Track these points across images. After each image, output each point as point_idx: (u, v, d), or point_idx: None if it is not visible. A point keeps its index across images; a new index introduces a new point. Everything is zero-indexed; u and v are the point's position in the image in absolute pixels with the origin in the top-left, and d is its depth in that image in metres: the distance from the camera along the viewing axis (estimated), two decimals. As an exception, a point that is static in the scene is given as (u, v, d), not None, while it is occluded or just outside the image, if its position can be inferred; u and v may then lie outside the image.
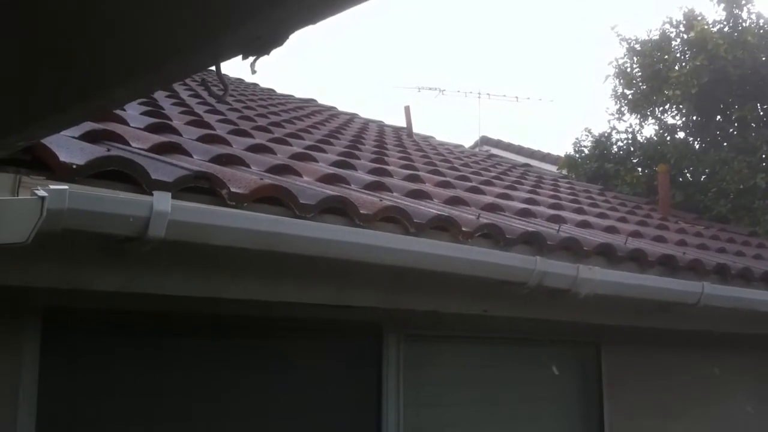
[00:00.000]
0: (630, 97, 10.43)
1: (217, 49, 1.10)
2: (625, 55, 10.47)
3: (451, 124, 37.20)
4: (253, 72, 1.12)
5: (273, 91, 10.37)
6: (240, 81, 9.92)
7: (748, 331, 5.26)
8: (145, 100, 4.57)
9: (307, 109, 9.37)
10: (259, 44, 1.05)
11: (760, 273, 5.30)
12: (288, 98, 10.18)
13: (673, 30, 10.29)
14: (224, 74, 1.21)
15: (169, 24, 1.09)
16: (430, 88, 13.38)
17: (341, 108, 10.79)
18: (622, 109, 10.57)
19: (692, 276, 4.74)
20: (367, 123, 10.10)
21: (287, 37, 1.04)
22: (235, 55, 1.11)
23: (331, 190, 3.41)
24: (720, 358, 5.60)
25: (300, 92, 10.84)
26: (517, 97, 13.98)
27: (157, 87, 2.18)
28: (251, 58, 1.09)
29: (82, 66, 1.26)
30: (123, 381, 3.10)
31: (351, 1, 0.94)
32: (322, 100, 10.90)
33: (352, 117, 10.32)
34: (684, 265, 4.75)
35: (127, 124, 3.66)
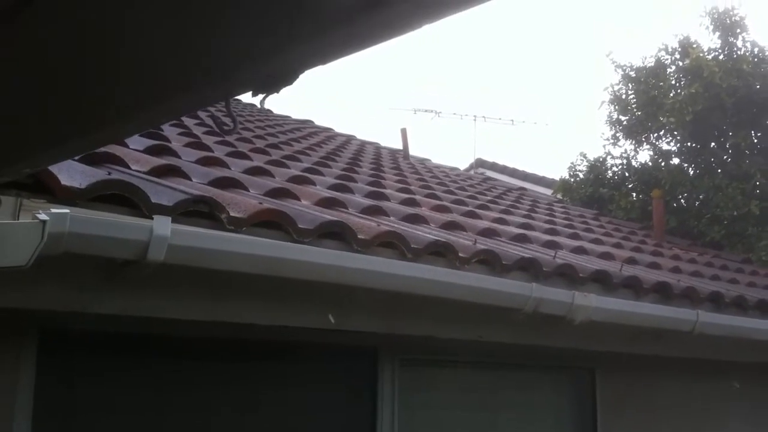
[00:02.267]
0: (625, 123, 10.49)
1: (228, 85, 1.12)
2: (620, 82, 10.54)
3: (446, 147, 37.30)
4: (262, 107, 1.14)
5: (270, 111, 10.40)
6: (236, 102, 9.95)
7: (742, 358, 5.27)
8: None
9: (304, 130, 9.41)
10: (271, 82, 1.07)
11: (754, 301, 5.32)
12: (285, 119, 10.21)
13: (669, 57, 10.38)
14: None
15: (181, 59, 1.11)
16: (425, 111, 13.41)
17: (338, 129, 10.84)
18: (617, 134, 10.63)
19: (687, 303, 4.75)
20: (363, 145, 10.14)
21: (298, 76, 1.06)
22: (246, 91, 1.12)
23: (329, 215, 3.42)
24: (715, 384, 5.61)
25: (296, 113, 10.88)
26: (512, 120, 14.00)
27: (165, 120, 2.20)
28: (261, 95, 1.11)
29: (91, 98, 1.28)
30: (118, 403, 3.09)
31: (362, 44, 0.96)
32: (319, 121, 10.95)
33: (348, 139, 10.36)
34: (678, 292, 4.77)
35: (127, 146, 3.67)
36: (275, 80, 1.06)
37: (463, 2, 0.85)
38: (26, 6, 1.23)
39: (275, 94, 1.09)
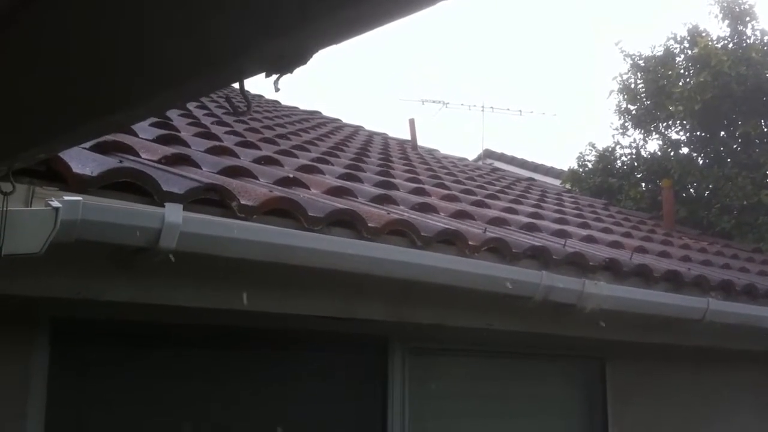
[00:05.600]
0: (634, 112, 10.47)
1: (240, 67, 1.12)
2: (629, 71, 10.52)
3: (454, 137, 37.30)
4: (276, 90, 1.14)
5: (278, 102, 10.40)
6: (245, 92, 9.93)
7: (752, 347, 5.26)
8: (153, 111, 4.59)
9: (312, 121, 9.41)
10: (283, 63, 1.06)
11: (765, 289, 5.31)
12: (293, 110, 10.21)
13: (678, 46, 10.35)
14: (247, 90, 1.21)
15: (192, 41, 1.11)
16: (433, 101, 13.41)
17: (346, 120, 10.83)
18: (626, 124, 10.62)
19: (697, 292, 4.75)
20: (371, 135, 10.14)
21: (311, 57, 1.05)
22: (258, 72, 1.12)
23: (339, 203, 3.43)
24: (725, 374, 5.60)
25: (304, 104, 10.88)
26: (520, 111, 13.99)
27: (179, 103, 2.21)
28: (274, 76, 1.11)
29: (104, 81, 1.28)
30: (132, 391, 3.11)
31: (375, 22, 0.96)
32: (327, 112, 10.94)
33: (356, 129, 10.35)
34: (689, 280, 4.76)
35: (137, 135, 3.68)
36: (287, 61, 1.06)
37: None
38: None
39: (289, 74, 1.09)
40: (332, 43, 1.04)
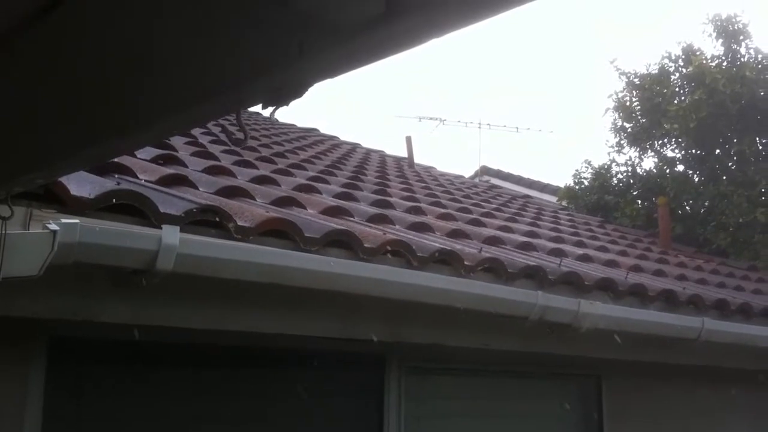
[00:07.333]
0: (629, 130, 10.51)
1: (238, 99, 1.14)
2: (624, 89, 10.57)
3: (451, 154, 37.43)
4: (273, 119, 1.16)
5: (275, 120, 10.42)
6: (243, 110, 9.96)
7: (748, 366, 5.27)
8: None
9: (309, 138, 9.44)
10: (280, 96, 1.09)
11: (760, 308, 5.33)
12: (290, 128, 10.24)
13: (672, 64, 10.40)
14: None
15: (192, 73, 1.13)
16: (430, 118, 13.42)
17: (343, 137, 10.87)
18: (622, 141, 10.65)
19: (692, 311, 4.76)
20: (368, 153, 10.17)
21: (307, 90, 1.08)
22: (256, 104, 1.15)
23: (335, 224, 3.44)
24: (721, 391, 5.60)
25: (301, 121, 10.91)
26: (517, 128, 13.99)
27: (177, 132, 2.23)
28: (271, 108, 1.13)
29: (103, 110, 1.30)
30: (129, 410, 3.11)
31: (370, 58, 0.98)
32: (324, 129, 10.98)
33: (353, 147, 10.39)
34: (684, 300, 4.78)
35: (135, 156, 3.70)
36: (284, 93, 1.08)
37: (471, 17, 0.87)
38: (46, 16, 1.25)
39: (285, 106, 1.12)
40: (328, 77, 1.06)
